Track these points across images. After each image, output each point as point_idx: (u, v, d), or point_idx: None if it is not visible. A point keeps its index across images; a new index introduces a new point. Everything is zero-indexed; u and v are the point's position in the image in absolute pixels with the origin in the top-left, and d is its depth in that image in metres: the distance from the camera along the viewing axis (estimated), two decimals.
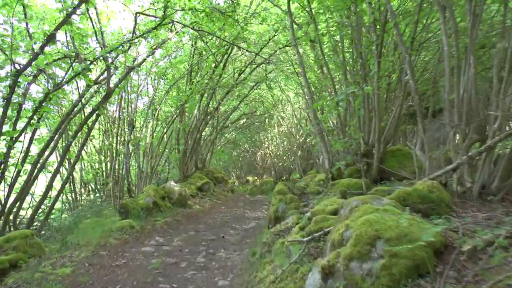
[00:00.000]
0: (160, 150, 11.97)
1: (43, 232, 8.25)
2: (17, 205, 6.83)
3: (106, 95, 8.10)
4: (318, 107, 7.05)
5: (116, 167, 9.75)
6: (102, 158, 12.15)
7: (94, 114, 8.19)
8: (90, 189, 12.34)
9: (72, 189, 10.72)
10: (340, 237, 3.10)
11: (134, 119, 9.53)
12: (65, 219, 9.91)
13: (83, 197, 11.77)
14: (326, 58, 7.31)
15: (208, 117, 14.39)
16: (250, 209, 11.23)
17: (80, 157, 11.46)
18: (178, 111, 12.27)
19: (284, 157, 23.41)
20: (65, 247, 5.61)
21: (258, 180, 25.58)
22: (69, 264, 4.77)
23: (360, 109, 5.95)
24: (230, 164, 26.98)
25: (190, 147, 13.45)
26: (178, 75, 13.07)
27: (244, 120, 20.68)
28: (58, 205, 10.71)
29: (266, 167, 26.14)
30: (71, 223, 8.98)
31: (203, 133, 15.48)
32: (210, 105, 14.02)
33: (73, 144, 11.71)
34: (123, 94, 9.64)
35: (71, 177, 10.63)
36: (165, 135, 12.23)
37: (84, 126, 8.16)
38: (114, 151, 9.38)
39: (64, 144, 9.56)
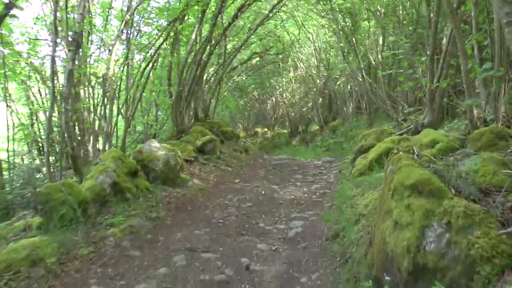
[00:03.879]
0: (138, 94, 7.83)
1: None
2: None
3: None
4: None
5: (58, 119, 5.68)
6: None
7: None
8: (41, 151, 8.38)
9: None
10: None
11: (82, 33, 5.32)
12: None
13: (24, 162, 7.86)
14: None
15: (212, 47, 10.07)
16: (279, 181, 7.30)
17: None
18: (166, 33, 8.00)
19: (300, 104, 20.18)
20: None
21: (268, 132, 22.73)
22: None
23: None
24: (236, 114, 23.59)
25: (187, 89, 9.31)
26: None
27: (257, 59, 16.49)
28: None
29: (278, 117, 23.02)
30: None
31: (206, 74, 11.24)
32: (214, 31, 9.67)
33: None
34: None
35: None
36: (146, 70, 8.03)
37: None
38: (50, 91, 5.31)
39: None
